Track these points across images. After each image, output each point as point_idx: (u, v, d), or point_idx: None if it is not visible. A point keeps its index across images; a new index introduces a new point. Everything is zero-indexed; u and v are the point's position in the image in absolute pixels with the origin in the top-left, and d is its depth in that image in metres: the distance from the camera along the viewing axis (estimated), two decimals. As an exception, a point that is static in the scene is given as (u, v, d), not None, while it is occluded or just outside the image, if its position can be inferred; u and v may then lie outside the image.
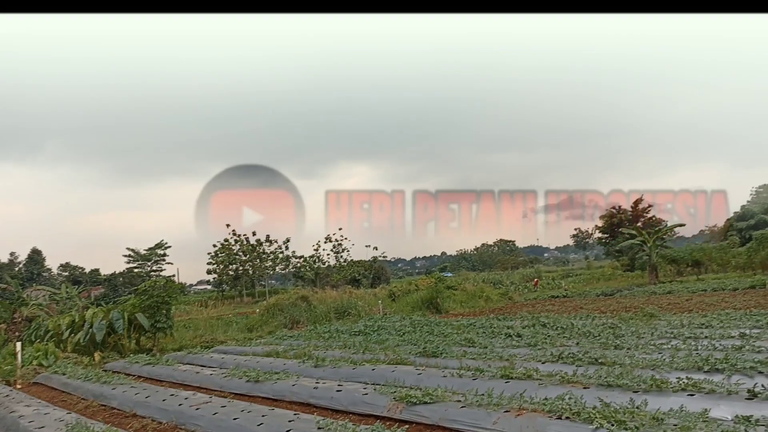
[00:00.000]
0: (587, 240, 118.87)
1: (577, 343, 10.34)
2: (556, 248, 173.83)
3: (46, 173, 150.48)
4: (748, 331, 9.91)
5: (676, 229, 40.11)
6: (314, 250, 66.19)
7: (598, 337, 10.84)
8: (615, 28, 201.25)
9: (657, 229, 39.25)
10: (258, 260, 66.09)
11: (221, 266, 64.64)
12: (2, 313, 22.84)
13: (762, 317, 11.81)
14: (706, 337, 9.79)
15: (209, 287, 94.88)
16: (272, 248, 66.99)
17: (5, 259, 73.55)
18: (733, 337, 9.58)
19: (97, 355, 16.01)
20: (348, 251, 65.73)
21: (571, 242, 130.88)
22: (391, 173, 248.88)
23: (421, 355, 10.38)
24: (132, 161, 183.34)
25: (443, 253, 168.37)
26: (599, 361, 8.03)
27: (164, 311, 17.29)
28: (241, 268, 65.80)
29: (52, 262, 79.66)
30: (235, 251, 65.30)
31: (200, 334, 20.57)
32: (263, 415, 6.81)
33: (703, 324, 11.72)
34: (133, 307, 17.49)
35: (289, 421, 6.41)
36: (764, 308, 14.34)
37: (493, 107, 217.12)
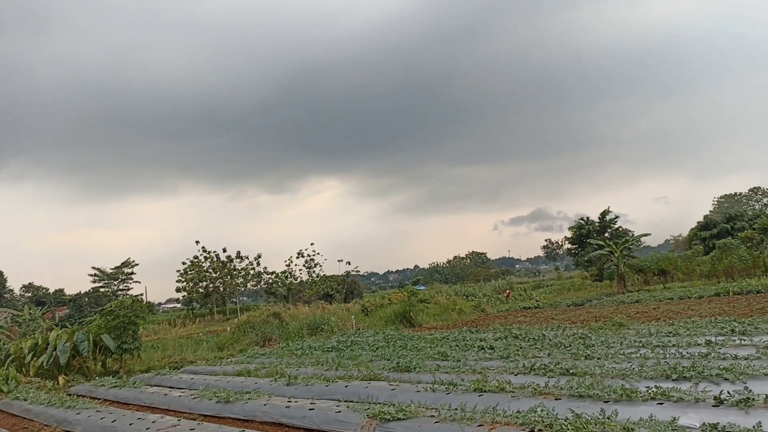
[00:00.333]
0: (557, 251, 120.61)
1: (549, 354, 10.42)
2: (527, 259, 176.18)
3: (9, 191, 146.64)
4: (713, 339, 10.13)
5: (642, 239, 41.05)
6: (286, 265, 65.70)
7: (569, 348, 10.94)
8: (579, 40, 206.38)
9: (624, 239, 40.05)
10: (229, 277, 65.12)
11: (191, 284, 63.44)
12: (-40, 337, 21.99)
13: (726, 324, 12.10)
14: (673, 345, 9.97)
15: (179, 305, 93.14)
16: (243, 264, 66.17)
17: (-36, 280, 71.09)
18: (699, 344, 9.78)
19: (61, 379, 15.49)
20: (320, 266, 65.44)
21: (541, 253, 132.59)
22: (363, 186, 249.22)
23: (395, 370, 10.32)
24: (97, 178, 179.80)
25: (416, 267, 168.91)
26: (570, 371, 8.10)
27: (131, 332, 16.84)
28: (211, 285, 64.69)
29: (14, 283, 77.53)
30: (205, 268, 64.23)
31: (169, 355, 20.11)
32: (234, 437, 6.66)
33: (671, 332, 11.94)
34: (98, 328, 17.00)
35: (261, 442, 6.28)
36: (729, 315, 14.71)
37: (461, 120, 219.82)
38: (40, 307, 47.53)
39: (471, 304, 33.93)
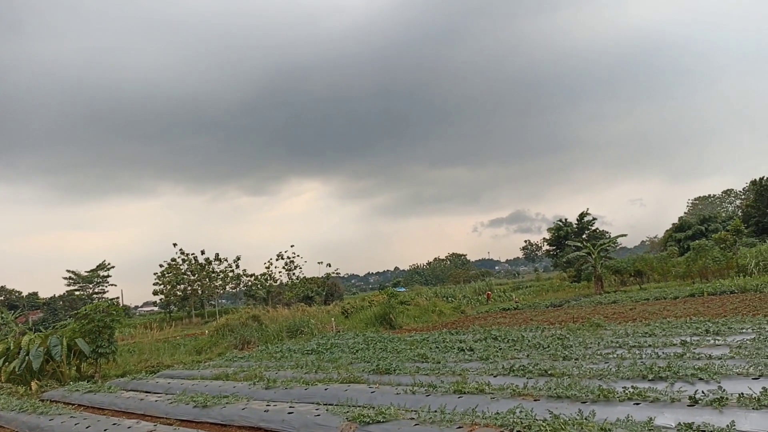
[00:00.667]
0: (536, 252, 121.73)
1: (528, 356, 10.48)
2: (507, 261, 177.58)
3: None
4: (688, 339, 10.29)
5: (618, 240, 41.59)
6: (266, 267, 65.24)
7: (547, 349, 11.03)
8: (558, 44, 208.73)
9: (601, 241, 40.57)
10: (207, 279, 64.43)
11: (168, 287, 62.61)
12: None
13: (701, 325, 12.31)
14: (649, 345, 10.10)
15: (156, 309, 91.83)
16: (222, 267, 65.55)
17: (-67, 284, 69.27)
18: (674, 344, 9.92)
19: (34, 384, 15.14)
20: (300, 268, 65.11)
21: (520, 255, 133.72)
22: (343, 188, 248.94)
23: (375, 372, 10.30)
24: (73, 179, 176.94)
25: (396, 268, 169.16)
26: (549, 372, 8.16)
27: (107, 335, 16.55)
28: (189, 288, 63.93)
29: (-15, 286, 75.49)
30: (183, 271, 63.46)
31: (145, 359, 19.80)
32: (211, 442, 6.57)
33: (647, 333, 12.10)
34: (73, 332, 16.67)
35: (238, 447, 6.21)
36: (703, 316, 14.96)
37: (442, 122, 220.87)
38: (12, 311, 46.54)
39: (451, 305, 34.06)
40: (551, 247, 63.83)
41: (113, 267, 71.75)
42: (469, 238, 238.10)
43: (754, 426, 4.98)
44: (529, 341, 12.53)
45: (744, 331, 10.86)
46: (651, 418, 5.29)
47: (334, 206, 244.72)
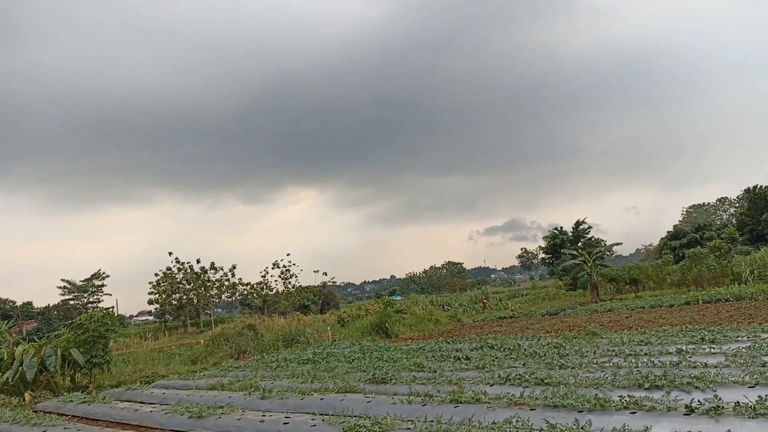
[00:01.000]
0: (532, 260, 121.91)
1: (524, 364, 10.48)
2: (503, 269, 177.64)
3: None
4: (684, 347, 10.30)
5: (614, 248, 41.69)
6: (262, 276, 64.99)
7: (543, 357, 11.02)
8: (553, 52, 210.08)
9: (596, 249, 40.65)
10: (203, 288, 64.15)
11: (164, 296, 62.30)
12: None
13: (697, 333, 12.32)
14: (645, 354, 10.11)
15: (151, 318, 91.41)
16: (218, 276, 65.29)
17: (-74, 293, 68.79)
18: (670, 353, 9.93)
19: (27, 395, 15.01)
20: (296, 277, 64.85)
21: (516, 263, 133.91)
22: (340, 197, 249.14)
23: (371, 381, 10.26)
24: (68, 187, 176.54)
25: (392, 277, 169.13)
26: (545, 381, 8.15)
27: (101, 345, 16.44)
28: (184, 297, 63.63)
29: (-21, 296, 75.05)
30: (178, 280, 63.19)
31: (140, 369, 19.67)
32: (206, 453, 6.53)
33: (643, 341, 12.11)
34: (67, 342, 16.56)
35: (234, 458, 6.17)
36: (699, 324, 14.99)
37: (437, 131, 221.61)
38: (6, 321, 46.07)
39: (447, 314, 33.97)
40: (547, 255, 63.92)
41: (108, 276, 71.47)
42: (465, 246, 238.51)
43: (749, 435, 4.98)
44: (525, 350, 12.52)
45: (739, 339, 10.89)
46: (647, 428, 5.29)
47: (330, 214, 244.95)
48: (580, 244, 56.25)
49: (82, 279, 70.09)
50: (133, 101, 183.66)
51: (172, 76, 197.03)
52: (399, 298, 66.78)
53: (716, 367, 8.04)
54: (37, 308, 71.49)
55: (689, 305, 22.85)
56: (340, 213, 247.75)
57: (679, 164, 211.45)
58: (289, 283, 64.53)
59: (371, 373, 10.98)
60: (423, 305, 38.01)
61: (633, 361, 9.42)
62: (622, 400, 6.20)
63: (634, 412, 5.88)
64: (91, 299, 70.19)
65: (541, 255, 69.32)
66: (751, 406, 5.45)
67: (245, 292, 66.51)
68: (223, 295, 67.37)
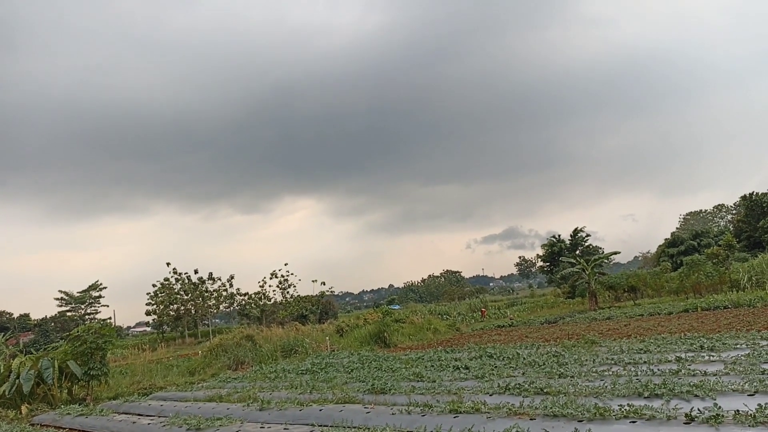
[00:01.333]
0: (530, 269, 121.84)
1: (523, 373, 10.45)
2: (501, 277, 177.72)
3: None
4: (683, 355, 10.29)
5: (612, 256, 41.68)
6: (260, 286, 64.77)
7: (542, 366, 11.00)
8: (548, 61, 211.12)
9: (595, 257, 40.66)
10: (200, 299, 63.89)
11: (161, 306, 61.98)
12: None
13: (696, 341, 12.31)
14: (644, 362, 10.10)
15: (149, 329, 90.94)
16: (215, 286, 65.05)
17: None
18: (670, 361, 9.92)
19: (24, 408, 14.93)
20: (294, 287, 64.62)
21: (515, 271, 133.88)
22: (337, 206, 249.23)
23: (370, 392, 10.22)
24: (64, 198, 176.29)
25: (391, 286, 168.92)
26: (544, 390, 8.13)
27: (99, 357, 16.37)
28: (182, 307, 63.34)
29: (-24, 308, 74.61)
30: (176, 290, 62.94)
31: (138, 380, 19.57)
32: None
33: (642, 349, 12.09)
34: (64, 354, 16.48)
35: (232, 471, 6.13)
36: (697, 331, 14.98)
37: (434, 140, 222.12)
38: (3, 333, 45.90)
39: (446, 323, 33.91)
40: (545, 263, 63.91)
41: (105, 287, 71.11)
42: (463, 254, 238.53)
43: (750, 443, 4.97)
44: (524, 359, 12.49)
45: (738, 346, 10.88)
46: (647, 437, 5.28)
47: (328, 224, 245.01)
48: (578, 251, 56.29)
49: (80, 290, 69.78)
50: (129, 112, 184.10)
51: (168, 86, 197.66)
52: (397, 307, 66.60)
53: (715, 375, 8.03)
54: (34, 320, 71.06)
55: (688, 313, 22.84)
56: (337, 222, 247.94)
57: (675, 171, 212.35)
58: (288, 292, 64.31)
59: (370, 383, 10.94)
60: (421, 314, 37.93)
61: (632, 369, 9.41)
62: (622, 409, 6.19)
63: (634, 421, 5.87)
64: (88, 310, 69.79)
65: (539, 263, 69.32)
66: (751, 415, 5.44)
67: (243, 302, 66.24)
68: (221, 306, 67.05)
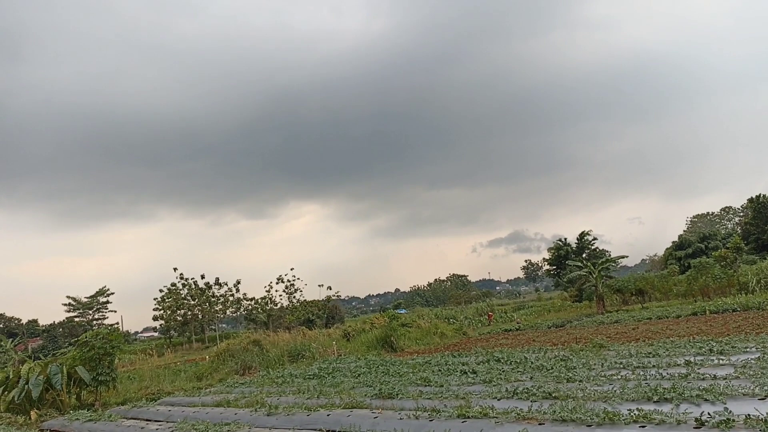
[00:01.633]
0: (537, 272, 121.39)
1: (531, 378, 10.41)
2: (508, 281, 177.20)
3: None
4: (692, 359, 10.22)
5: (619, 260, 41.49)
6: (266, 291, 64.89)
7: (550, 371, 10.95)
8: (553, 64, 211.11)
9: (602, 260, 40.48)
10: (207, 304, 64.07)
11: (168, 312, 62.22)
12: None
13: (705, 344, 12.23)
14: (653, 366, 10.04)
15: (156, 334, 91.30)
16: (222, 291, 65.22)
17: (-69, 312, 68.90)
18: (679, 365, 9.86)
19: (33, 414, 14.99)
20: (301, 291, 64.73)
21: (521, 274, 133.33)
22: (342, 211, 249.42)
23: (377, 396, 10.22)
24: (71, 204, 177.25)
25: (397, 290, 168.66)
26: (553, 395, 8.10)
27: (107, 363, 16.43)
28: (189, 313, 63.54)
29: (-15, 314, 75.12)
30: (183, 295, 63.14)
31: (146, 386, 19.62)
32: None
33: (650, 353, 12.02)
34: (73, 359, 16.55)
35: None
36: (706, 335, 14.89)
37: (439, 144, 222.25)
38: (12, 339, 46.10)
39: (453, 327, 33.85)
40: (552, 267, 63.69)
41: (113, 293, 71.45)
42: (469, 258, 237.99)
43: (761, 448, 4.94)
44: (532, 363, 12.44)
45: (748, 350, 10.80)
46: (657, 441, 5.25)
47: (333, 228, 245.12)
48: (584, 255, 56.05)
49: (87, 296, 70.15)
50: (133, 118, 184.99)
51: (173, 93, 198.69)
52: (404, 311, 66.58)
53: (725, 378, 7.98)
54: (43, 325, 71.52)
55: (696, 316, 22.71)
56: (343, 227, 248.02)
57: (681, 174, 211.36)
58: (294, 297, 64.41)
59: (377, 388, 10.94)
60: (428, 318, 37.92)
61: (641, 373, 9.36)
62: (631, 414, 6.16)
63: (643, 426, 5.84)
64: (96, 316, 70.15)
65: (546, 266, 69.07)
66: (762, 419, 5.40)
67: (250, 307, 66.41)
68: (227, 311, 67.25)
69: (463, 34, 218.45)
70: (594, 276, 35.35)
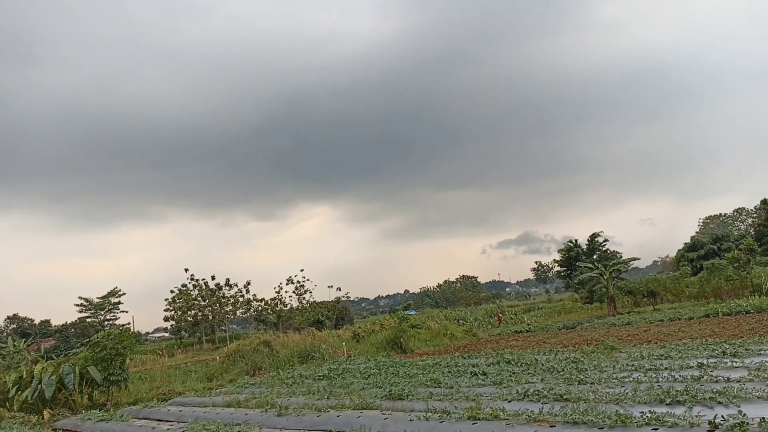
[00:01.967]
0: (547, 273, 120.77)
1: (542, 380, 10.36)
2: (517, 282, 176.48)
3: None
4: (705, 361, 10.13)
5: (631, 263, 41.17)
6: (276, 292, 65.07)
7: (561, 373, 10.89)
8: (562, 66, 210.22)
9: (613, 261, 40.19)
10: (218, 305, 64.37)
11: (179, 312, 62.59)
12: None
13: (718, 346, 12.11)
14: (665, 368, 9.96)
15: (167, 335, 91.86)
16: (232, 292, 65.49)
17: (-54, 312, 69.75)
18: (691, 367, 9.77)
19: (46, 413, 15.13)
20: (310, 292, 64.84)
21: (531, 276, 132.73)
22: (352, 212, 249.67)
23: (387, 398, 10.21)
24: (82, 206, 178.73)
25: (406, 291, 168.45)
26: (564, 397, 8.05)
27: (118, 363, 16.55)
28: (200, 313, 63.87)
29: (-2, 314, 76.01)
30: (193, 296, 63.48)
31: (157, 386, 19.74)
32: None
33: (662, 355, 11.92)
34: (85, 360, 16.69)
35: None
36: (719, 337, 14.73)
37: (448, 145, 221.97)
38: (24, 339, 46.65)
39: (462, 328, 33.76)
40: (562, 268, 63.29)
41: (124, 293, 71.93)
42: (478, 260, 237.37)
43: (776, 451, 4.88)
44: (542, 365, 12.38)
45: (762, 352, 10.69)
46: (670, 444, 5.20)
47: (343, 230, 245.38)
48: (595, 256, 55.67)
49: (99, 296, 70.68)
50: (143, 120, 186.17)
51: (182, 95, 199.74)
52: (413, 312, 66.54)
53: (739, 381, 7.89)
54: (55, 326, 72.10)
55: (709, 318, 22.50)
56: (352, 228, 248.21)
57: (693, 175, 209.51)
58: (304, 298, 64.53)
59: (387, 389, 10.93)
60: (438, 320, 37.84)
61: (653, 375, 9.28)
62: (644, 416, 6.11)
63: (656, 429, 5.79)
64: (107, 316, 70.64)
65: (556, 268, 68.65)
66: (776, 422, 5.34)
67: (260, 308, 66.64)
68: (237, 312, 67.54)
69: (472, 36, 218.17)
70: (605, 277, 35.11)
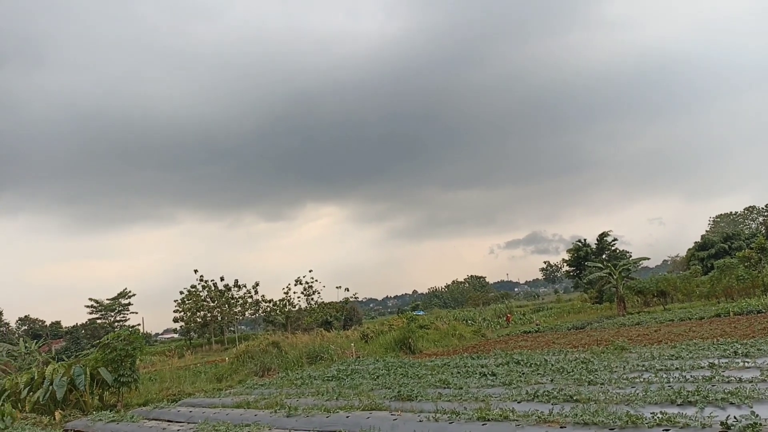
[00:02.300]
0: (556, 273, 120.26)
1: (552, 380, 10.32)
2: (526, 282, 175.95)
3: (4, 223, 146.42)
4: (716, 361, 10.06)
5: (641, 262, 40.94)
6: (284, 293, 65.24)
7: (571, 373, 10.84)
8: (571, 65, 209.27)
9: (623, 261, 39.97)
10: (227, 306, 64.61)
11: (188, 313, 62.88)
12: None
13: (729, 346, 12.02)
14: (676, 368, 9.89)
15: (176, 336, 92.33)
16: (241, 293, 65.71)
17: (-42, 314, 70.41)
18: (702, 367, 9.70)
19: (57, 414, 15.23)
20: (319, 293, 64.96)
21: (540, 276, 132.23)
22: (360, 212, 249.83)
23: (396, 399, 10.20)
24: (92, 208, 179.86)
25: (415, 291, 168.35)
26: (574, 398, 8.02)
27: (128, 364, 16.64)
28: (209, 314, 64.14)
29: (10, 316, 76.72)
30: (202, 297, 63.74)
31: (167, 387, 19.81)
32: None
33: (673, 355, 11.85)
34: (95, 361, 16.79)
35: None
36: (730, 337, 14.63)
37: (455, 145, 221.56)
38: (36, 341, 46.94)
39: (471, 329, 33.70)
40: (571, 268, 63.00)
41: (134, 295, 72.38)
42: (486, 260, 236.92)
43: (790, 453, 4.83)
44: (552, 365, 12.33)
45: (774, 352, 10.60)
46: (682, 445, 5.16)
47: (351, 230, 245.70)
48: (604, 256, 55.38)
49: (109, 298, 71.14)
50: (152, 122, 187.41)
51: (191, 97, 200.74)
52: (422, 313, 66.42)
53: (751, 381, 7.82)
54: (66, 327, 72.62)
55: (720, 317, 22.34)
56: (360, 228, 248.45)
57: (702, 174, 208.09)
58: (312, 299, 64.68)
59: (396, 390, 10.92)
60: (446, 320, 37.79)
61: (664, 376, 9.22)
62: (655, 417, 6.07)
63: (667, 429, 5.75)
64: (118, 318, 71.12)
65: (565, 268, 68.35)
66: (790, 423, 5.29)
67: (268, 308, 66.81)
68: (246, 312, 67.74)
69: (479, 36, 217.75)
70: (614, 277, 34.94)
